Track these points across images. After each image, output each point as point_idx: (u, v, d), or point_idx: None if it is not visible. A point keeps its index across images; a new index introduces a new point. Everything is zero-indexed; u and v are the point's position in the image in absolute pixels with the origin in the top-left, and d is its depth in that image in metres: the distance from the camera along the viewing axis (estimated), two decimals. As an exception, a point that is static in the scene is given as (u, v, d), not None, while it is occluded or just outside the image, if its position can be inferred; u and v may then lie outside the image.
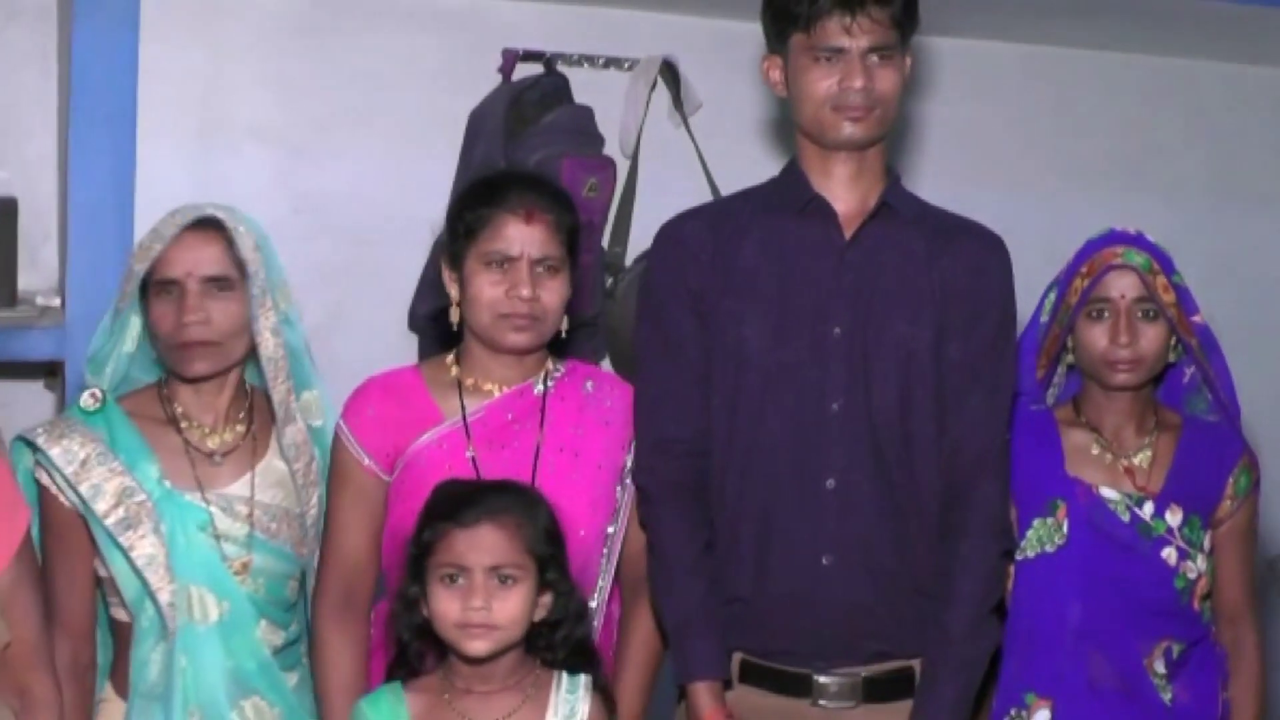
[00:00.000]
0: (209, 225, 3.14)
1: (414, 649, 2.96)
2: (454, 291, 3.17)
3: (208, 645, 3.08)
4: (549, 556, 2.92)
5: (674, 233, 3.20)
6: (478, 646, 2.85)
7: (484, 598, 2.84)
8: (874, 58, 3.06)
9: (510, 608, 2.86)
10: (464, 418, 3.14)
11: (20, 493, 2.98)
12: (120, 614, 3.16)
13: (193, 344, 3.10)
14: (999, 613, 3.18)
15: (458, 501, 2.91)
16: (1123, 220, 3.43)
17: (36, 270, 4.24)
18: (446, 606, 2.87)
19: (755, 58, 3.22)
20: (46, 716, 2.90)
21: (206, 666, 3.08)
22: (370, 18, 4.46)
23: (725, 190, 3.89)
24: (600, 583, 3.19)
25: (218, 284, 3.12)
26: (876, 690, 3.11)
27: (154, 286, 3.12)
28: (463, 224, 3.13)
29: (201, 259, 3.11)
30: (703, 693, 3.05)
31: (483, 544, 2.86)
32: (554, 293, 3.12)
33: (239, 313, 3.13)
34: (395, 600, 2.97)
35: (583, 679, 2.97)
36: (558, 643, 2.96)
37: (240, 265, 3.13)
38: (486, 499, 2.91)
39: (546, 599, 2.93)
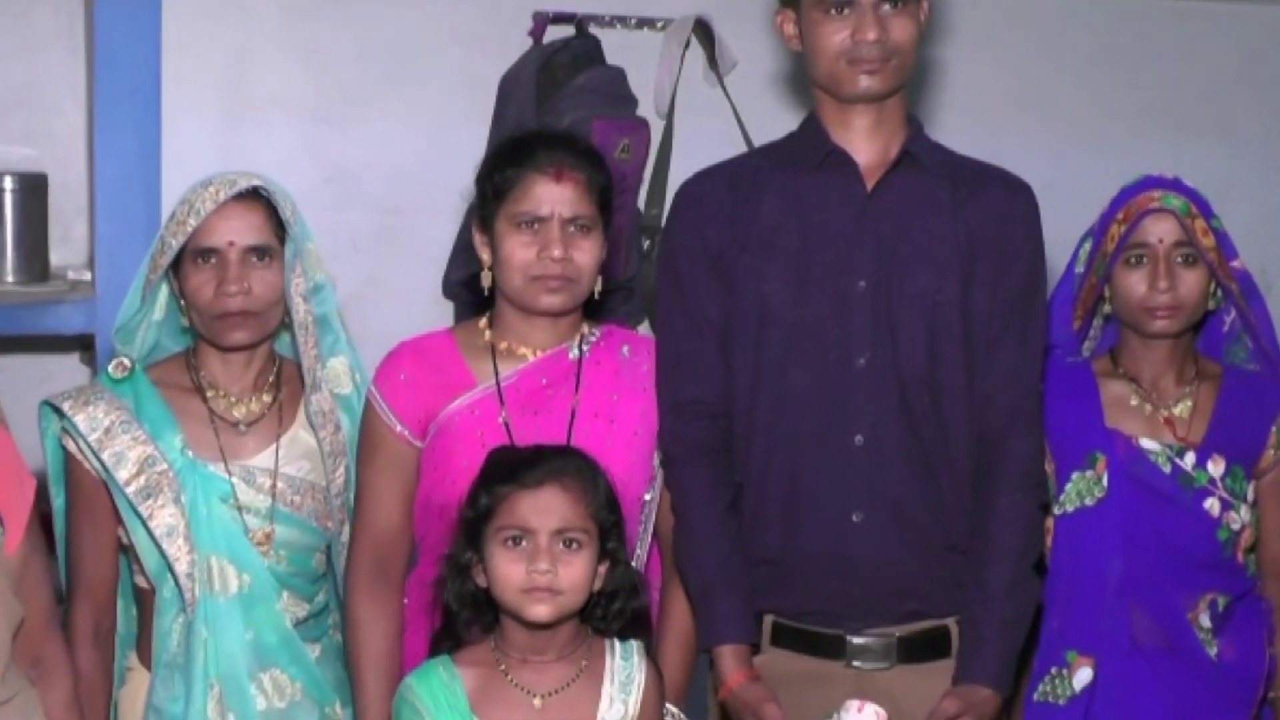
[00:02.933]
0: (247, 194, 3.13)
1: (463, 618, 2.90)
2: (485, 255, 3.14)
3: (228, 617, 3.09)
4: (611, 524, 2.89)
5: (691, 191, 3.15)
6: (540, 611, 2.80)
7: (549, 560, 2.79)
8: (886, 7, 2.98)
9: (574, 573, 2.82)
10: (497, 383, 3.11)
11: (25, 464, 2.96)
12: (143, 582, 3.17)
13: (233, 314, 3.10)
14: (1038, 570, 3.12)
15: (520, 464, 2.86)
16: (1173, 169, 3.35)
17: (68, 245, 4.29)
18: (509, 570, 2.81)
19: (782, 14, 3.15)
20: (62, 683, 2.90)
21: (227, 638, 3.09)
22: (397, -17, 4.46)
23: (763, 150, 3.84)
24: (638, 551, 3.15)
25: (258, 253, 3.12)
26: (911, 650, 3.05)
27: (190, 256, 3.11)
28: (491, 185, 3.10)
29: (243, 228, 3.11)
30: (728, 656, 3.00)
31: (548, 506, 2.82)
32: (587, 253, 3.08)
33: (277, 282, 3.14)
34: (444, 567, 2.92)
35: (635, 645, 2.93)
36: (613, 614, 2.92)
37: (278, 234, 3.13)
38: (551, 461, 2.86)
39: (604, 569, 2.89)
